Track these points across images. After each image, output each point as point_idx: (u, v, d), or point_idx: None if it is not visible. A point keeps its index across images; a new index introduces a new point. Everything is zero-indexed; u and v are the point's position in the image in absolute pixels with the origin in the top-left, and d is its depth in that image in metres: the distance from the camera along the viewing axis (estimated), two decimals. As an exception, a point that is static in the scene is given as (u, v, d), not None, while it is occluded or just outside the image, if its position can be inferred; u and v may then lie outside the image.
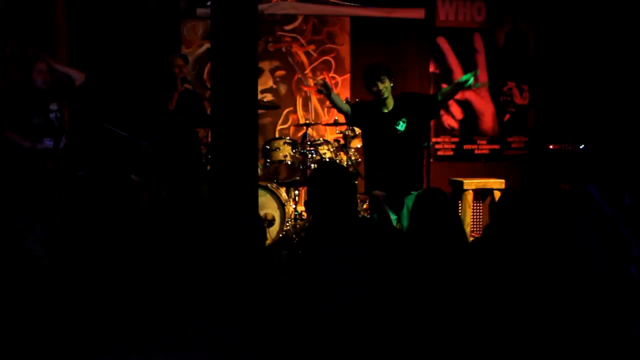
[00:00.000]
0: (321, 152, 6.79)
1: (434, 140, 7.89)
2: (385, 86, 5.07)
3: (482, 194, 7.12)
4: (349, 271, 2.64)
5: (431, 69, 7.93)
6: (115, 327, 3.74)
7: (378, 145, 5.23)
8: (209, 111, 6.34)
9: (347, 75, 7.95)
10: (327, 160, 6.67)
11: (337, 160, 6.88)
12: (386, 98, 5.13)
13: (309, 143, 6.82)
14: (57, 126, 5.50)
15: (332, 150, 6.87)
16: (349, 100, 7.02)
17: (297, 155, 6.74)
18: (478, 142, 8.09)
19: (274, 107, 7.31)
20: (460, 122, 8.03)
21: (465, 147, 8.07)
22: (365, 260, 2.70)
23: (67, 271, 3.74)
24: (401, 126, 5.13)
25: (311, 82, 7.83)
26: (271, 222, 6.42)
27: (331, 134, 7.64)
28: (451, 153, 8.04)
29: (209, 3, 5.47)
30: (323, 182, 2.81)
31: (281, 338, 2.59)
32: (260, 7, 6.97)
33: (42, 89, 5.47)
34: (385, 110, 5.20)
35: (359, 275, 2.66)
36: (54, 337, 3.32)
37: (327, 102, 7.82)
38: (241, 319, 2.69)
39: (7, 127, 5.45)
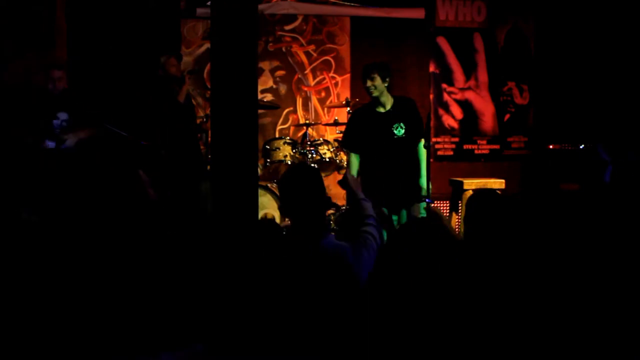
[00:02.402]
0: (321, 152, 6.79)
1: (434, 140, 7.88)
2: (375, 84, 5.06)
3: (482, 194, 7.11)
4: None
5: (431, 69, 7.93)
6: (114, 327, 3.74)
7: (374, 148, 5.17)
8: (208, 111, 6.35)
9: (347, 75, 7.94)
10: (296, 162, 6.62)
11: (337, 160, 6.88)
12: (378, 97, 5.12)
13: (309, 143, 6.82)
14: (57, 134, 5.51)
15: (332, 150, 6.87)
16: (349, 100, 7.03)
17: (297, 155, 6.73)
18: (478, 142, 8.09)
19: (274, 107, 7.31)
20: (460, 122, 8.03)
21: (465, 147, 8.07)
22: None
23: (68, 270, 3.74)
24: (399, 131, 5.11)
25: (311, 82, 7.83)
26: (271, 222, 6.42)
27: (331, 134, 7.64)
28: (451, 153, 8.04)
29: (209, 3, 5.47)
30: (293, 185, 2.82)
31: (280, 338, 2.59)
32: (260, 7, 6.97)
33: (53, 95, 5.51)
34: (382, 110, 5.17)
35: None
36: (53, 337, 3.32)
37: (327, 102, 7.86)
38: (241, 319, 2.69)
39: (16, 125, 5.51)
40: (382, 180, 5.11)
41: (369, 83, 5.08)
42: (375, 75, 5.06)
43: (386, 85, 5.11)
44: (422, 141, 5.24)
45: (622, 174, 6.26)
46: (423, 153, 5.24)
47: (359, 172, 5.21)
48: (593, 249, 2.87)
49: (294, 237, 2.85)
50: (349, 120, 5.48)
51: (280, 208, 2.83)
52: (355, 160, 5.27)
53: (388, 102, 5.15)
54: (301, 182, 2.81)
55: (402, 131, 5.11)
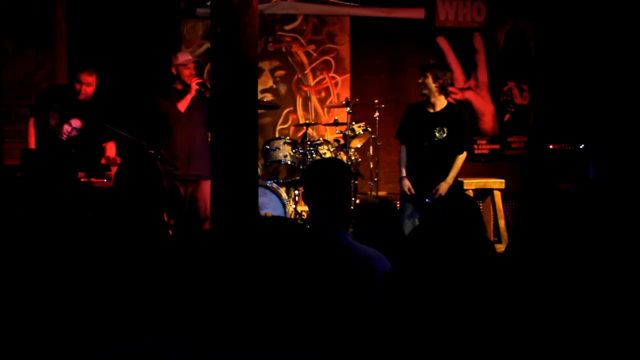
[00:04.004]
0: (321, 152, 6.78)
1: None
2: (426, 82, 5.33)
3: (482, 194, 7.13)
4: None
5: (431, 69, 7.93)
6: (113, 325, 3.73)
7: (416, 144, 5.41)
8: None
9: (347, 75, 7.94)
10: (297, 162, 6.64)
11: (337, 160, 6.88)
12: (427, 95, 5.36)
13: (309, 143, 6.81)
14: (58, 140, 5.41)
15: (332, 150, 6.86)
16: (349, 100, 7.02)
17: (297, 155, 6.73)
18: (478, 142, 8.08)
19: (274, 107, 7.30)
20: (460, 122, 8.03)
21: (465, 147, 8.06)
22: None
23: (69, 269, 3.74)
24: (440, 135, 5.23)
25: (311, 82, 7.83)
26: (271, 222, 6.41)
27: (331, 134, 7.64)
28: (451, 153, 8.03)
29: (209, 3, 5.46)
30: (320, 176, 2.82)
31: (276, 338, 2.58)
32: (260, 7, 6.95)
33: (77, 99, 5.40)
34: (431, 110, 5.38)
35: None
36: (52, 336, 3.32)
37: (327, 102, 7.86)
38: (241, 319, 2.69)
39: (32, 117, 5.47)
40: (416, 177, 5.41)
41: (420, 80, 5.39)
42: (428, 74, 5.34)
43: (437, 86, 5.32)
44: (464, 154, 5.47)
45: (610, 172, 6.31)
46: (459, 159, 5.45)
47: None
48: (591, 249, 2.86)
49: (312, 231, 2.83)
50: (404, 112, 5.66)
51: (302, 195, 2.83)
52: (403, 153, 5.54)
53: (439, 104, 5.38)
54: (328, 174, 2.80)
55: (444, 136, 5.22)
